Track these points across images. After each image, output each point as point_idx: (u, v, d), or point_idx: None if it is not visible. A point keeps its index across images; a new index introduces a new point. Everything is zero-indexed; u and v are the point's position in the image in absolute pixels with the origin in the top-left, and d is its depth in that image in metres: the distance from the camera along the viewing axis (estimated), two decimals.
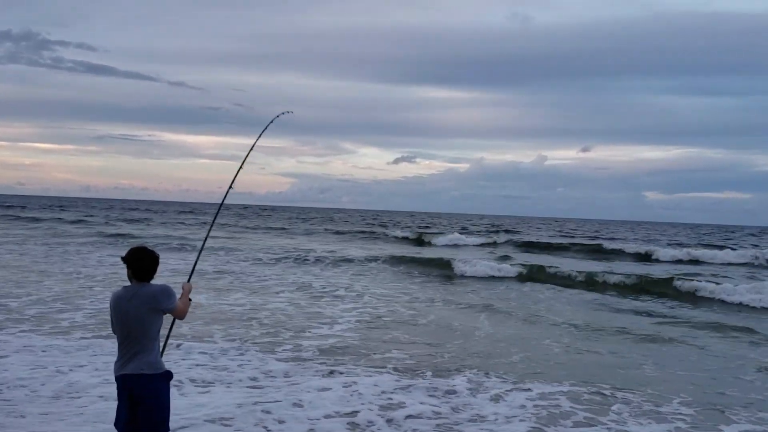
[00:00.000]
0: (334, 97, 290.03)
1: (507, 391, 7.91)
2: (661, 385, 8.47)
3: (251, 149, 6.19)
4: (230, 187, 5.86)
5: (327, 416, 6.72)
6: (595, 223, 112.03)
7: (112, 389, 4.33)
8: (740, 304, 15.91)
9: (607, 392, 8.02)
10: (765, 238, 63.76)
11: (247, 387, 7.66)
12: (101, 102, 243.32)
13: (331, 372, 8.48)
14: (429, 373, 8.58)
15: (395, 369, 8.78)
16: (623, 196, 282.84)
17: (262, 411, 6.75)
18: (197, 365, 8.48)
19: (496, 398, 7.62)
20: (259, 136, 6.32)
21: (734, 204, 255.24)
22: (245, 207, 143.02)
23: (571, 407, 7.40)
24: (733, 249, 35.43)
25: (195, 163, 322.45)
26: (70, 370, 7.88)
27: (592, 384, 8.32)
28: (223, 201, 5.88)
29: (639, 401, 7.70)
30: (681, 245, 41.60)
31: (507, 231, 53.80)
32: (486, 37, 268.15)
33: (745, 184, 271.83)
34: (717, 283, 17.57)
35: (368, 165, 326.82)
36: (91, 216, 56.90)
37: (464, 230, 53.39)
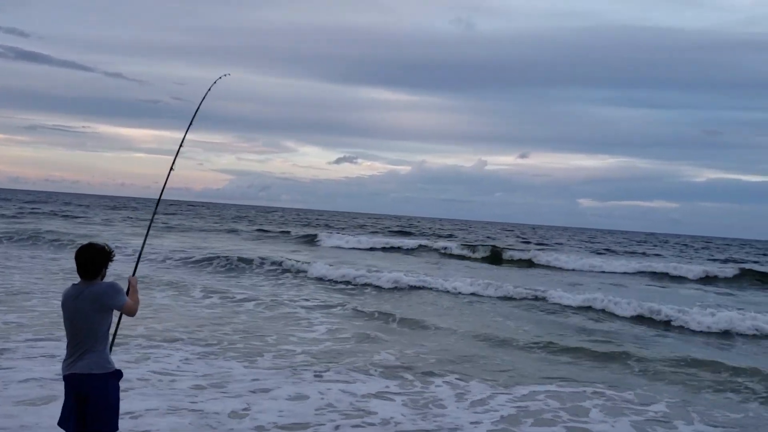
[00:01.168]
0: (277, 95, 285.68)
1: (488, 397, 7.48)
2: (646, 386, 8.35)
3: (191, 122, 5.74)
4: (170, 168, 5.40)
5: (259, 427, 6.00)
6: (531, 228, 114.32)
7: None
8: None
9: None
10: (692, 247, 66.18)
11: (195, 392, 6.90)
12: (33, 90, 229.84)
13: (310, 377, 7.88)
14: (411, 378, 8.13)
15: (379, 375, 8.24)
16: (559, 203, 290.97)
17: (197, 418, 6.04)
18: (151, 371, 7.65)
19: (473, 404, 7.18)
20: (200, 103, 5.88)
21: (662, 213, 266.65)
22: (178, 203, 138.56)
23: (545, 406, 7.09)
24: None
25: (131, 157, 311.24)
26: None
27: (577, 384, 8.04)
28: (165, 183, 5.45)
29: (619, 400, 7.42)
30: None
31: (450, 236, 53.26)
32: (430, 41, 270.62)
33: (673, 193, 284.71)
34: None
35: (309, 164, 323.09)
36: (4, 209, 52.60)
37: (407, 233, 52.76)
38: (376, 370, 8.40)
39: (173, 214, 65.87)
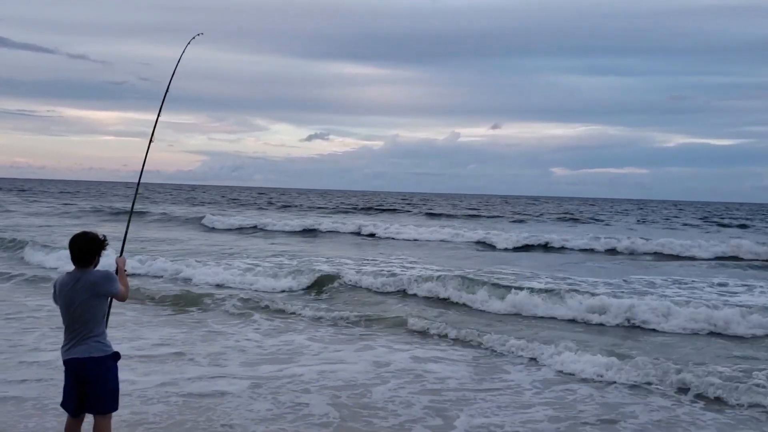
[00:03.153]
0: (246, 72, 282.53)
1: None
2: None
3: (167, 92, 5.79)
4: (149, 143, 5.57)
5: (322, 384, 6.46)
6: (501, 199, 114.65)
7: None
8: None
9: None
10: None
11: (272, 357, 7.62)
12: None
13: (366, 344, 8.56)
14: (481, 346, 8.57)
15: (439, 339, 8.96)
16: (532, 172, 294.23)
17: (253, 383, 6.62)
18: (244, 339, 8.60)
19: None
20: (175, 68, 5.90)
21: (633, 179, 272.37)
22: (151, 186, 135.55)
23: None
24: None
25: (98, 140, 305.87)
26: None
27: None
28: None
29: None
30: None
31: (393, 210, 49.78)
32: (397, 13, 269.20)
33: (643, 159, 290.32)
34: None
35: (281, 142, 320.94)
36: None
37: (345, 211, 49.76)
38: None
39: (122, 195, 64.10)
